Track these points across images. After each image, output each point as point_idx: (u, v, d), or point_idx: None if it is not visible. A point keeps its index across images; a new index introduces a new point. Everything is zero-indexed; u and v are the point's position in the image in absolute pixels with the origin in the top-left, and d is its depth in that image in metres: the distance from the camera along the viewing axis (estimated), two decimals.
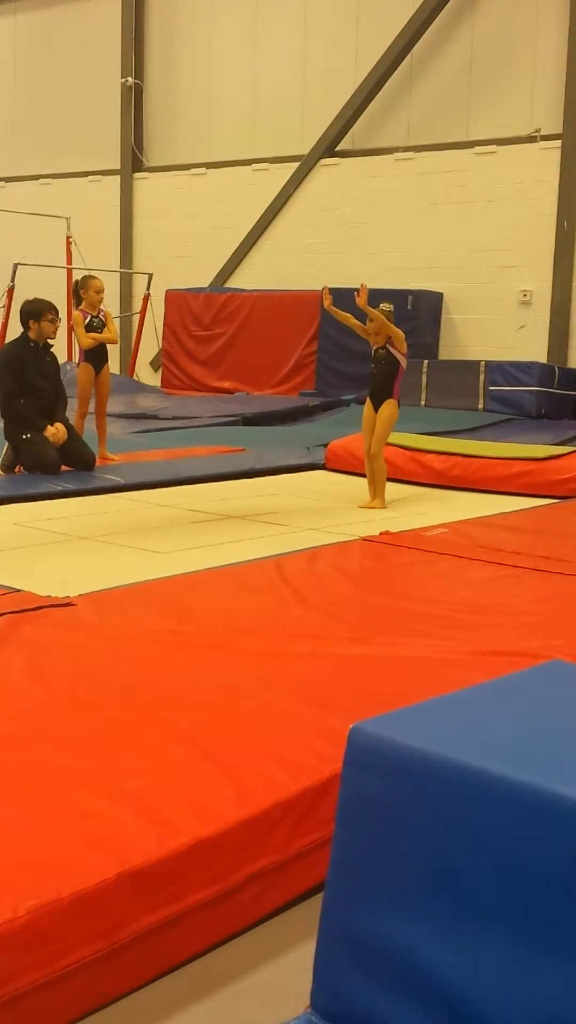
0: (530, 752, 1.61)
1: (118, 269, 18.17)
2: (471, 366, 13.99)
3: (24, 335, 8.36)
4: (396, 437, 8.69)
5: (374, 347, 7.51)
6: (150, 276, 16.80)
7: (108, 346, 9.14)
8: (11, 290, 14.61)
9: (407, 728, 1.72)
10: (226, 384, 16.47)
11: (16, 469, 8.18)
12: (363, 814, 1.71)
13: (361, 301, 7.37)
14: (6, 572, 5.03)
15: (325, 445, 9.56)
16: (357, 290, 7.43)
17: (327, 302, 7.74)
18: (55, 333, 8.41)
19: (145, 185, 18.63)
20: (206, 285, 17.37)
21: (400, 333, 7.42)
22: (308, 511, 7.17)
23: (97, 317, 8.91)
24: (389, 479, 7.71)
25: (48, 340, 8.40)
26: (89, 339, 8.85)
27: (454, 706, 1.84)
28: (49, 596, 4.32)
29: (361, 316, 7.54)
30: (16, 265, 14.83)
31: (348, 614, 4.23)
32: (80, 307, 9.02)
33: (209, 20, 17.63)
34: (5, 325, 14.55)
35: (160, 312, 17.03)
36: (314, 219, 16.49)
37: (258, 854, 2.38)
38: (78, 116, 19.30)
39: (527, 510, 7.21)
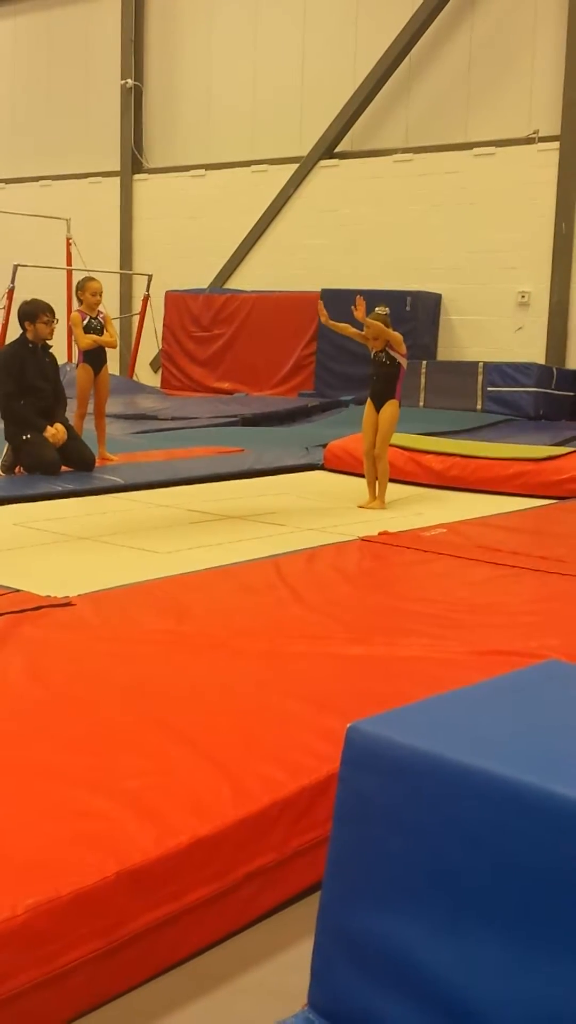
0: (527, 751, 1.62)
1: (118, 270, 18.19)
2: (469, 367, 14.00)
3: (23, 336, 8.38)
4: (395, 438, 8.68)
5: (373, 351, 7.53)
6: (150, 277, 16.81)
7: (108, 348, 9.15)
8: (11, 291, 14.62)
9: (404, 727, 1.72)
10: (225, 385, 16.48)
11: (16, 470, 8.18)
12: (360, 813, 1.72)
13: (359, 314, 7.38)
14: (6, 572, 5.03)
15: (324, 446, 9.57)
16: (354, 303, 7.43)
17: (323, 317, 7.78)
18: (51, 334, 8.42)
19: (145, 186, 18.64)
20: (205, 286, 17.38)
21: (398, 336, 7.43)
22: (307, 511, 7.17)
23: (96, 319, 8.93)
24: (388, 479, 7.72)
25: (46, 341, 8.42)
26: (88, 340, 8.86)
27: (451, 705, 1.85)
28: (48, 596, 4.33)
29: (358, 323, 7.56)
30: (16, 266, 14.84)
31: (346, 614, 4.23)
32: (79, 308, 9.04)
33: (209, 22, 17.64)
34: (5, 326, 14.55)
35: (160, 313, 17.04)
36: (313, 220, 16.50)
37: (256, 853, 2.38)
38: (78, 118, 19.31)
39: (525, 511, 7.22)
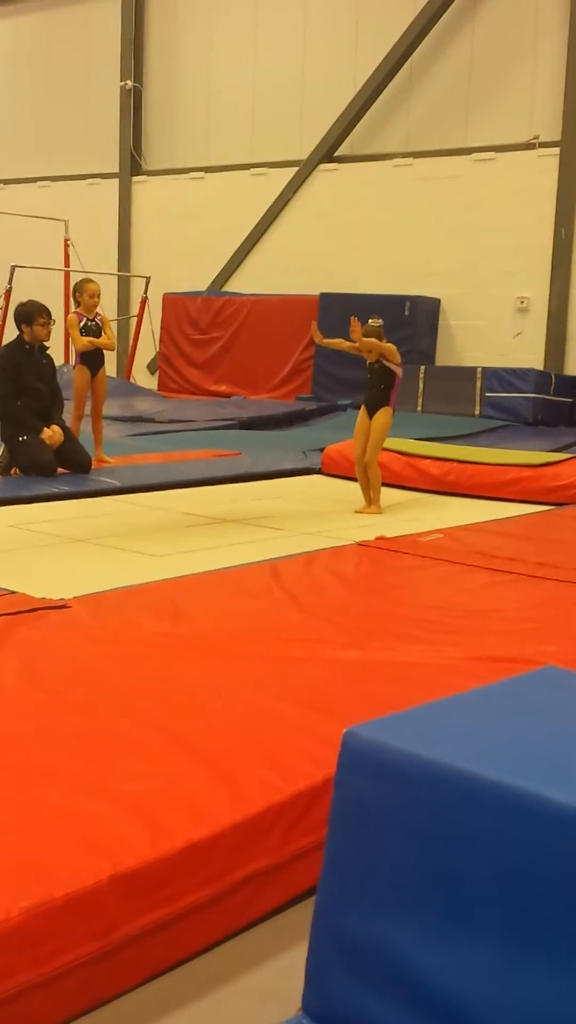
0: (523, 757, 1.62)
1: (116, 272, 18.19)
2: (468, 372, 14.02)
3: (20, 338, 8.38)
4: (392, 443, 8.70)
5: (368, 360, 7.54)
6: (148, 279, 16.82)
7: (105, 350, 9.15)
8: (8, 292, 14.62)
9: (401, 732, 1.72)
10: (223, 388, 16.48)
11: (12, 471, 8.18)
12: (356, 818, 1.72)
13: (356, 336, 7.37)
14: (1, 574, 5.03)
15: (321, 450, 9.57)
16: (350, 323, 7.43)
17: (317, 338, 7.78)
18: (48, 336, 8.42)
19: (143, 189, 18.65)
20: (204, 289, 17.39)
21: (392, 348, 7.44)
22: (304, 515, 7.17)
23: (93, 321, 8.93)
24: (385, 484, 7.73)
25: (43, 343, 8.42)
26: (84, 341, 8.86)
27: (448, 711, 1.85)
28: (44, 598, 4.32)
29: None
30: (14, 267, 14.84)
31: (343, 619, 4.23)
32: (76, 310, 9.04)
33: (209, 24, 17.66)
34: (2, 328, 14.55)
35: (157, 315, 17.05)
36: (312, 224, 16.51)
37: (251, 857, 2.38)
38: (77, 119, 19.32)
39: (522, 516, 7.22)
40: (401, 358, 7.60)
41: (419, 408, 13.94)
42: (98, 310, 9.00)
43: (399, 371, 7.52)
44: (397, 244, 15.67)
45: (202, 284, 17.50)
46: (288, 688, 3.28)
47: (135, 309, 17.28)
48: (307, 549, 5.73)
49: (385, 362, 7.45)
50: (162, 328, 17.19)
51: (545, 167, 14.57)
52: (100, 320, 8.99)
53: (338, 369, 14.81)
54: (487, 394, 13.67)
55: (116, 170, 18.78)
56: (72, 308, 9.22)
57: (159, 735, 2.83)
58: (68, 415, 8.80)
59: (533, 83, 14.77)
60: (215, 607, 4.38)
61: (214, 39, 17.65)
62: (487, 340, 15.21)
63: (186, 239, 17.82)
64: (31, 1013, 1.96)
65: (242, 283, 17.32)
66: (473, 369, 14.01)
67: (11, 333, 8.64)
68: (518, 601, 4.66)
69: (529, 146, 14.76)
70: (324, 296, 15.48)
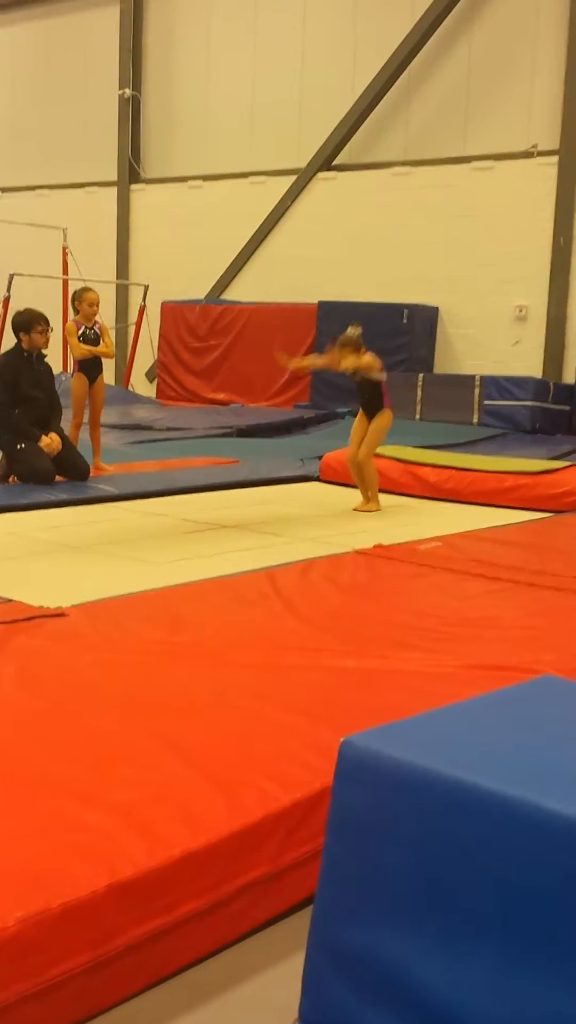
0: (520, 767, 1.62)
1: (114, 280, 18.21)
2: (466, 380, 14.03)
3: (18, 345, 8.38)
4: (391, 450, 8.72)
5: (348, 374, 7.59)
6: (146, 287, 16.83)
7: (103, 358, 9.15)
8: (7, 300, 14.64)
9: (397, 742, 1.72)
10: (221, 396, 16.49)
11: (10, 479, 8.18)
12: (353, 827, 1.71)
13: (336, 367, 7.37)
14: None
15: (319, 457, 9.57)
16: (348, 327, 7.44)
17: (283, 362, 7.76)
18: (46, 344, 8.43)
19: (142, 197, 18.67)
20: (202, 297, 17.41)
21: (368, 362, 7.40)
22: (302, 523, 7.17)
23: (91, 329, 8.93)
24: (384, 491, 7.74)
25: (41, 351, 8.42)
26: (83, 349, 8.87)
27: (444, 720, 1.85)
28: (42, 607, 4.32)
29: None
30: (12, 275, 14.85)
31: (341, 626, 4.23)
32: (75, 318, 9.05)
33: (207, 32, 17.69)
34: (0, 336, 14.56)
35: (156, 323, 17.07)
36: (311, 232, 16.53)
37: (248, 866, 2.37)
38: (76, 127, 19.34)
39: (520, 524, 7.22)
40: (387, 364, 7.60)
41: (417, 416, 13.95)
42: (96, 318, 9.01)
43: (382, 377, 7.53)
44: (395, 252, 15.68)
45: (200, 292, 17.52)
46: (286, 696, 3.27)
47: (133, 317, 17.30)
48: (305, 556, 5.72)
49: (365, 376, 7.47)
50: (160, 336, 17.21)
51: (543, 175, 14.59)
52: (99, 328, 8.99)
53: (336, 377, 14.66)
54: (485, 402, 13.68)
55: (115, 178, 18.81)
56: (71, 316, 9.23)
57: (156, 743, 2.82)
58: (66, 423, 8.80)
59: (531, 91, 14.80)
60: (213, 615, 4.37)
61: (212, 47, 17.68)
62: (485, 348, 15.22)
63: (184, 247, 17.84)
64: (27, 1022, 1.96)
65: (240, 291, 17.34)
66: (471, 377, 14.02)
67: (8, 341, 8.64)
68: (516, 609, 4.66)
69: (527, 155, 14.78)
70: (322, 304, 15.49)
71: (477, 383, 13.80)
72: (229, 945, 2.35)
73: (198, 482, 8.53)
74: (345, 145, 16.28)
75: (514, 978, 1.51)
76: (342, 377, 7.98)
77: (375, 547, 5.86)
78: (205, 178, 17.84)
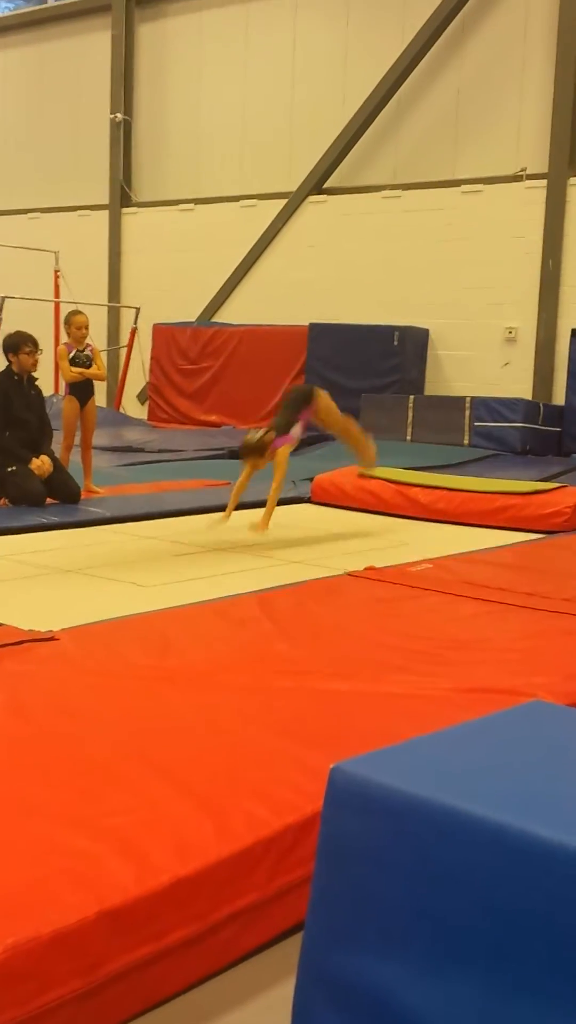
0: (509, 793, 1.61)
1: (106, 303, 18.25)
2: (457, 402, 14.06)
3: (8, 368, 8.40)
4: (382, 471, 8.74)
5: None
6: (137, 310, 16.88)
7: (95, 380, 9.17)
8: None
9: (387, 768, 1.72)
10: (213, 418, 16.51)
11: (1, 502, 8.17)
12: (343, 854, 1.71)
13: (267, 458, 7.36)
14: None
15: (311, 479, 9.57)
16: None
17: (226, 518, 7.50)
18: (35, 366, 8.45)
19: (133, 220, 18.73)
20: (193, 319, 17.45)
21: (283, 451, 7.36)
22: (293, 545, 7.17)
23: (83, 352, 8.95)
24: (375, 512, 7.74)
25: (31, 373, 8.44)
26: (74, 373, 8.88)
27: (434, 746, 1.84)
28: (31, 630, 4.31)
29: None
30: (3, 298, 14.88)
31: (332, 649, 4.22)
32: (66, 342, 9.07)
33: (199, 57, 17.79)
34: None
35: (147, 346, 17.10)
36: (301, 255, 16.59)
37: (238, 892, 2.36)
38: (67, 151, 19.42)
39: (511, 546, 7.22)
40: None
41: (408, 437, 13.98)
42: (88, 341, 9.03)
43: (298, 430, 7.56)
44: (386, 275, 15.75)
45: (192, 315, 17.56)
46: (276, 720, 3.26)
47: (125, 339, 17.33)
48: (296, 579, 5.72)
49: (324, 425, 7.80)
50: (152, 358, 17.24)
51: (532, 199, 14.67)
52: (91, 351, 9.01)
53: None
54: (476, 423, 13.71)
55: (106, 202, 18.87)
56: (63, 339, 9.25)
57: (146, 768, 2.81)
58: (57, 445, 8.80)
59: (520, 115, 14.90)
60: (204, 638, 4.36)
61: (204, 72, 17.78)
62: (476, 370, 15.27)
63: (176, 270, 17.89)
64: None
65: (232, 314, 17.39)
66: (462, 399, 14.05)
67: (0, 365, 8.65)
68: (508, 631, 4.66)
69: (516, 178, 14.87)
70: (313, 327, 15.54)
71: (468, 404, 13.84)
72: (219, 972, 2.34)
73: (190, 504, 8.52)
74: (335, 169, 16.37)
75: (503, 1004, 1.51)
76: (334, 399, 8.04)
77: (367, 569, 5.86)
78: (196, 201, 17.92)
